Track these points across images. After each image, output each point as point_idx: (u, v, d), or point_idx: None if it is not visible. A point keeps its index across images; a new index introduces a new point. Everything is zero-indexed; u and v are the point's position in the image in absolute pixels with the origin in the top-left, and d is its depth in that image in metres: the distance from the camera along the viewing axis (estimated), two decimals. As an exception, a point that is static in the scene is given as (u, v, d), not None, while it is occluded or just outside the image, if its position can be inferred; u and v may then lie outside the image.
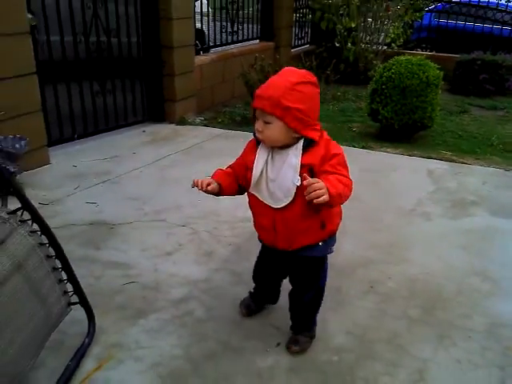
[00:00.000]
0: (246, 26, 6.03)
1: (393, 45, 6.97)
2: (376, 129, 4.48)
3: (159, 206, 2.83)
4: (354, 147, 4.01)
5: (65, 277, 1.67)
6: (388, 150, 4.00)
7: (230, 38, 5.71)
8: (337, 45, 6.98)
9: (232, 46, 5.76)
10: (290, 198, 1.50)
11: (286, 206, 1.52)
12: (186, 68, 4.63)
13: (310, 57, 6.00)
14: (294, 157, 1.49)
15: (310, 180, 1.38)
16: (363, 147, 4.04)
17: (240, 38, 5.94)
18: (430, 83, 4.03)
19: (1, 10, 2.90)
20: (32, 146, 3.06)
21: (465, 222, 2.78)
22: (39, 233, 1.60)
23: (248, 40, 6.13)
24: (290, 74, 1.49)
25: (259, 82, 4.77)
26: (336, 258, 2.35)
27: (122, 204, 2.86)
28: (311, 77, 1.51)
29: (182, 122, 4.65)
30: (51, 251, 1.63)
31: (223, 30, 5.59)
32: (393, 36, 6.94)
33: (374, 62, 6.49)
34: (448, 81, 5.90)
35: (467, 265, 2.34)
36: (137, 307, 1.96)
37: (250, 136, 1.60)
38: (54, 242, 1.63)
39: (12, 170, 2.74)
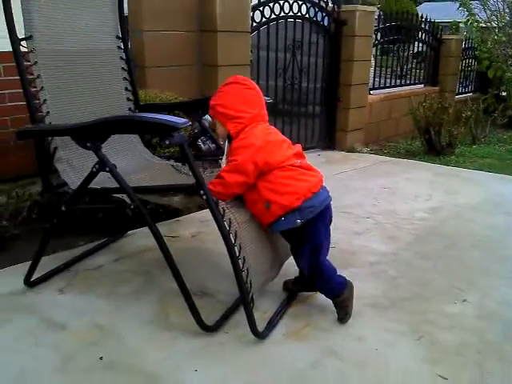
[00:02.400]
0: (411, 71, 6.51)
1: None
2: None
3: (344, 203, 3.34)
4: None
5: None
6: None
7: (395, 81, 6.22)
8: (503, 93, 7.04)
9: (395, 88, 6.23)
10: None
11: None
12: (360, 103, 5.24)
13: (476, 100, 6.21)
14: (226, 149, 1.85)
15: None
16: (533, 180, 4.11)
17: (406, 82, 6.42)
18: None
19: (237, 49, 3.84)
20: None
21: None
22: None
23: (411, 84, 6.56)
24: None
25: (426, 118, 5.16)
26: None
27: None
28: (235, 78, 1.83)
29: (351, 150, 5.21)
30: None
31: (393, 74, 6.14)
32: None
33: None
34: None
35: None
36: (338, 263, 2.41)
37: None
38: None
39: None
